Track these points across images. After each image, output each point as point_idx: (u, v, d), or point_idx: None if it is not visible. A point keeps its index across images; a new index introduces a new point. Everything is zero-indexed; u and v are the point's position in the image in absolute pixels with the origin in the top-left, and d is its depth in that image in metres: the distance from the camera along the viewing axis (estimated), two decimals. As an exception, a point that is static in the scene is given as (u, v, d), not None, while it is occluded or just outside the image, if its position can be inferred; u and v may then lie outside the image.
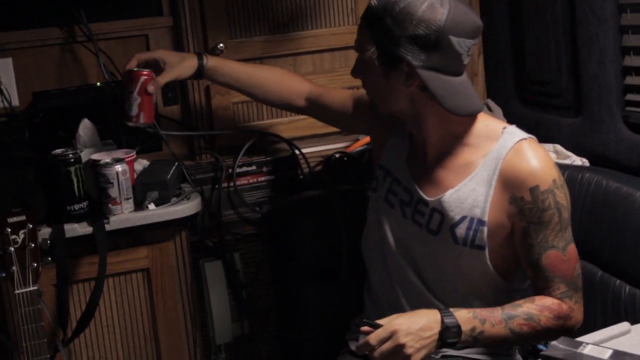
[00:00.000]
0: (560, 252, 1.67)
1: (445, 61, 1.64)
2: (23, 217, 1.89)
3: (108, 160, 2.10)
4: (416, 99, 1.69)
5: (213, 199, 2.36)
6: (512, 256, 1.75)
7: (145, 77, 1.98)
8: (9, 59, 2.31)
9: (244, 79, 2.12)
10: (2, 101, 2.29)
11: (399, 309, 1.77)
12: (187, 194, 2.23)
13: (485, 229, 1.69)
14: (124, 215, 2.11)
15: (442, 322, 1.56)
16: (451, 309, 1.61)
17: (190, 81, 2.43)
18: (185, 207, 2.18)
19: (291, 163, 2.43)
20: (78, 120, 2.23)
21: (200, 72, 2.06)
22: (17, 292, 1.84)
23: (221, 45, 2.44)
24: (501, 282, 1.76)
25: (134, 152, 2.19)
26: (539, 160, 1.69)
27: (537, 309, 1.64)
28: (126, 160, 2.13)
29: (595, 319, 1.99)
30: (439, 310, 1.61)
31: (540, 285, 1.69)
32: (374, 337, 1.53)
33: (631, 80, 2.17)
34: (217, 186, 2.37)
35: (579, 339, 1.41)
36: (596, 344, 1.36)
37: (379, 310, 1.84)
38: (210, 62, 2.08)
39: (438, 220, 1.73)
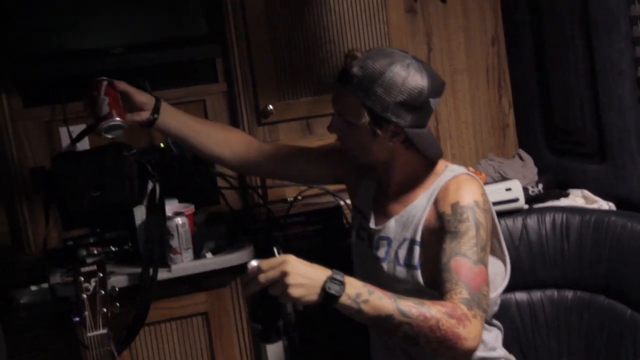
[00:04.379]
0: (470, 262, 1.59)
1: (423, 118, 1.72)
2: (94, 267, 1.95)
3: (169, 214, 2.17)
4: (395, 150, 1.75)
5: (266, 247, 2.39)
6: None
7: (106, 81, 1.84)
8: (84, 126, 2.39)
9: (193, 125, 1.94)
10: (77, 163, 2.38)
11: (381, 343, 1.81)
12: (242, 244, 2.28)
13: (418, 249, 1.72)
14: (184, 263, 2.17)
15: (331, 273, 1.49)
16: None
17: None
18: (240, 256, 2.23)
19: (337, 213, 2.46)
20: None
21: (157, 107, 1.87)
22: (89, 335, 1.89)
23: (270, 107, 2.51)
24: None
25: (193, 207, 2.25)
26: (467, 184, 1.72)
27: (430, 302, 1.51)
28: (186, 213, 2.19)
29: (627, 356, 1.96)
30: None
31: (445, 290, 1.57)
32: (266, 263, 1.48)
33: (650, 128, 2.16)
34: (269, 235, 2.40)
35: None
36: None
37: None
38: (164, 104, 1.91)
39: (385, 248, 1.78)
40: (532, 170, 2.59)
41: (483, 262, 1.62)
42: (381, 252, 1.80)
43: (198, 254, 2.20)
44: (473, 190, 1.70)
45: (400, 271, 1.75)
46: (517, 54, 2.72)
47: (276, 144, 2.09)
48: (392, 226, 1.78)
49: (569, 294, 2.14)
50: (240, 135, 2.03)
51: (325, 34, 2.57)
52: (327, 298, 1.45)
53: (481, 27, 2.75)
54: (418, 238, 1.73)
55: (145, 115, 1.86)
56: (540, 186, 2.48)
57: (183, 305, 2.22)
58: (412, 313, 1.47)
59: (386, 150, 1.74)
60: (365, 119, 1.68)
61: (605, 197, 2.30)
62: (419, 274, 1.72)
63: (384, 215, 1.83)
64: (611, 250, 2.06)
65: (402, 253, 1.75)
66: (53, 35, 2.31)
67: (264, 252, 2.31)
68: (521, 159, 2.64)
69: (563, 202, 2.35)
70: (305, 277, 1.45)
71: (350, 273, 1.88)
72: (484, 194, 1.72)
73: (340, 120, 1.75)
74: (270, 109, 2.51)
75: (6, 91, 2.34)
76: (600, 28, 2.23)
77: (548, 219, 2.22)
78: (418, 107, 1.68)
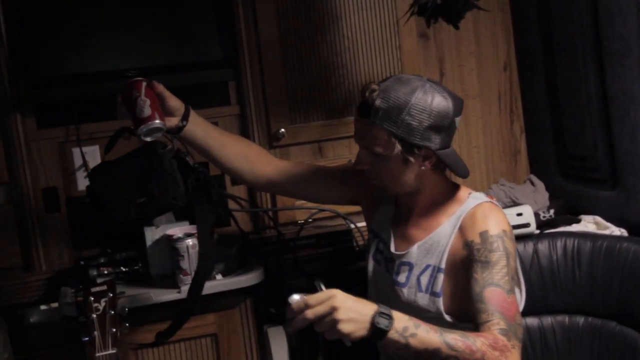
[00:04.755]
0: (504, 292, 1.60)
1: (449, 137, 1.73)
2: (104, 287, 1.95)
3: (180, 235, 2.17)
4: (423, 174, 1.75)
5: (276, 269, 2.39)
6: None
7: (146, 82, 1.79)
8: (97, 147, 2.43)
9: (216, 136, 1.93)
10: (90, 184, 2.40)
11: None
12: (251, 265, 2.28)
13: (442, 276, 1.71)
14: (193, 285, 2.16)
15: (378, 308, 1.47)
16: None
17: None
18: (250, 277, 2.23)
19: (347, 236, 2.46)
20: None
21: (187, 114, 1.86)
22: (97, 354, 1.88)
23: (282, 130, 2.52)
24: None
25: (204, 228, 2.25)
26: (493, 213, 1.72)
27: (473, 334, 1.52)
28: (196, 235, 2.19)
29: (639, 383, 1.94)
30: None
31: (481, 320, 1.57)
32: (313, 298, 1.43)
33: (663, 154, 2.15)
34: (279, 258, 2.40)
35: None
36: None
37: None
38: (192, 111, 1.89)
39: (406, 273, 1.77)
40: (543, 196, 2.58)
41: (514, 292, 1.62)
42: (402, 278, 1.79)
43: (208, 276, 2.20)
44: (500, 219, 1.71)
45: (422, 297, 1.74)
46: (529, 80, 2.73)
47: (295, 162, 2.06)
48: (414, 252, 1.78)
49: (580, 319, 2.12)
50: (260, 152, 2.03)
51: (337, 59, 2.59)
52: (376, 333, 1.44)
53: (493, 53, 2.76)
54: (443, 265, 1.72)
55: (174, 121, 1.84)
56: (552, 211, 2.47)
57: (192, 327, 2.22)
58: (459, 346, 1.47)
59: (417, 176, 1.74)
60: (397, 148, 1.68)
61: (617, 224, 2.29)
62: (441, 302, 1.72)
63: (405, 240, 1.82)
64: (623, 276, 2.05)
65: (425, 280, 1.75)
66: (69, 58, 2.34)
67: (277, 276, 2.30)
68: (532, 184, 2.63)
69: (574, 227, 2.34)
70: (354, 311, 1.43)
71: (363, 297, 1.88)
72: (509, 223, 1.73)
73: (368, 154, 1.73)
74: (282, 132, 2.52)
75: (21, 112, 2.36)
76: (613, 55, 2.23)
77: (559, 244, 2.21)
78: (446, 127, 1.69)
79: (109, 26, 2.36)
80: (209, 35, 2.44)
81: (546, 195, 2.59)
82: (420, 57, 2.67)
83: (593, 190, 2.42)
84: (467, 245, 1.69)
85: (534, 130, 2.74)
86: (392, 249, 1.83)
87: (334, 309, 1.41)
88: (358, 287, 2.19)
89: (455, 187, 1.81)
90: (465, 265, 1.68)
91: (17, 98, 2.35)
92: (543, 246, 2.21)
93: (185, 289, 2.14)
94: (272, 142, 2.54)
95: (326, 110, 2.58)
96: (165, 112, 1.82)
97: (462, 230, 1.72)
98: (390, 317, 1.45)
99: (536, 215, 2.40)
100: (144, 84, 1.77)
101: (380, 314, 1.44)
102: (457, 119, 1.72)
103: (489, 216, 1.71)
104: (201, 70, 2.44)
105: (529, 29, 2.66)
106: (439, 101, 1.67)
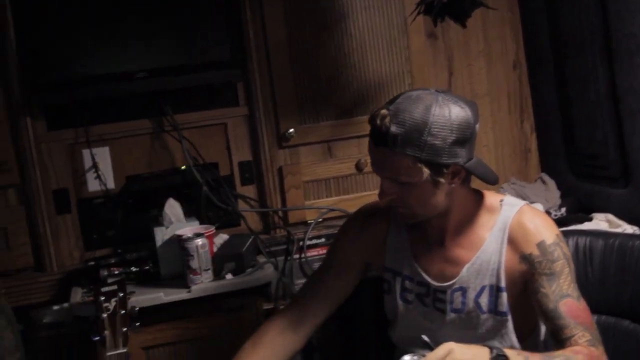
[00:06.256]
0: (576, 300, 1.59)
1: (473, 147, 1.62)
2: (115, 287, 1.95)
3: (190, 235, 2.18)
4: (453, 191, 1.62)
5: (286, 269, 2.40)
6: (531, 321, 1.71)
7: None
8: (106, 148, 2.45)
9: None
10: (100, 185, 2.42)
11: None
12: (261, 265, 2.28)
13: (505, 295, 1.65)
14: (203, 284, 2.17)
15: (492, 350, 1.46)
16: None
17: (264, 162, 2.53)
18: (260, 277, 2.23)
19: (357, 235, 2.45)
20: (165, 199, 2.33)
21: None
22: (108, 354, 1.89)
23: (291, 130, 2.53)
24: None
25: (214, 228, 2.26)
26: (540, 219, 1.66)
27: (572, 352, 1.52)
28: (206, 234, 2.20)
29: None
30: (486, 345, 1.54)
31: (564, 336, 1.55)
32: (432, 356, 1.40)
33: (674, 151, 2.15)
34: (289, 257, 2.41)
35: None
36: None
37: None
38: None
39: (460, 298, 1.69)
40: (554, 194, 2.57)
41: (580, 295, 1.61)
42: (457, 304, 1.69)
43: (218, 275, 2.21)
44: (549, 223, 1.66)
45: (487, 319, 1.67)
46: (539, 79, 2.72)
47: (297, 295, 1.87)
48: (465, 275, 1.68)
49: (594, 318, 2.11)
50: (275, 331, 1.76)
51: (346, 59, 2.59)
52: None
53: (502, 51, 2.76)
54: (502, 284, 1.65)
55: None
56: (564, 210, 2.46)
57: (202, 326, 2.22)
58: None
59: (446, 194, 1.62)
60: (426, 172, 1.54)
61: (630, 221, 2.28)
62: (510, 321, 1.66)
63: (449, 264, 1.70)
64: (636, 274, 2.02)
65: (484, 301, 1.67)
66: (78, 60, 2.36)
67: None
68: (544, 182, 2.63)
69: (586, 225, 2.33)
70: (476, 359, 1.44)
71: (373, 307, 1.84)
72: (554, 222, 1.68)
73: (393, 184, 1.59)
74: (291, 133, 2.53)
75: (31, 115, 2.38)
76: (622, 52, 2.22)
77: (571, 242, 2.18)
78: (469, 138, 1.58)
79: (117, 28, 2.37)
80: (218, 36, 2.45)
81: (557, 193, 2.59)
82: (429, 56, 2.68)
83: (605, 188, 2.41)
84: (526, 258, 1.62)
85: (545, 129, 2.73)
86: (433, 281, 1.70)
87: None
88: (369, 293, 2.20)
89: (481, 195, 1.71)
90: (524, 278, 1.63)
91: (27, 100, 2.37)
92: (554, 244, 2.20)
93: (195, 288, 2.16)
94: (281, 142, 2.55)
95: (335, 110, 2.59)
96: None
97: (512, 243, 1.64)
98: (506, 357, 1.46)
99: (548, 213, 2.39)
100: None
101: (497, 357, 1.45)
102: (477, 126, 1.61)
103: (539, 223, 1.64)
104: (210, 71, 2.45)
105: (538, 27, 2.66)
106: (457, 112, 1.54)
